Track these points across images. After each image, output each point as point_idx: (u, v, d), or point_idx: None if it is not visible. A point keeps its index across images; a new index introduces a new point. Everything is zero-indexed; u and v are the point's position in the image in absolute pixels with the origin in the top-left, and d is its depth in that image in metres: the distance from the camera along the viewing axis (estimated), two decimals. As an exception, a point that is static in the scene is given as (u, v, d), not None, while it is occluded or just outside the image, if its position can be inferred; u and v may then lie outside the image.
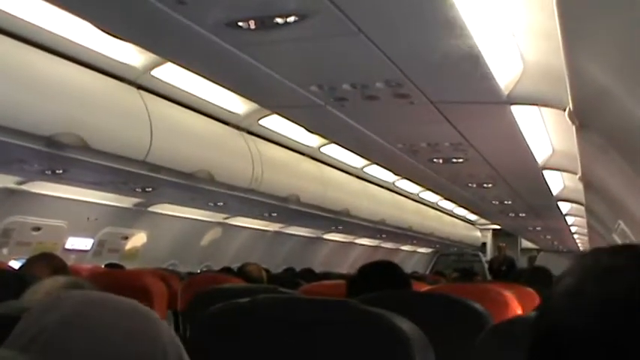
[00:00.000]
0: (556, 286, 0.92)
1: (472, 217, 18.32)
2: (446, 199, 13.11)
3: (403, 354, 1.59)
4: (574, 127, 4.36)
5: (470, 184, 8.08)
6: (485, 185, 8.10)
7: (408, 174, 9.36)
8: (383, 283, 2.81)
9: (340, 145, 7.92)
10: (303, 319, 1.76)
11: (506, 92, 4.17)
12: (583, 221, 13.15)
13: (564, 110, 4.10)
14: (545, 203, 10.42)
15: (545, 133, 5.88)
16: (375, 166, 10.19)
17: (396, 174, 10.33)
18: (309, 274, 7.72)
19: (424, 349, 1.63)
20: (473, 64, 3.59)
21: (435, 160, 6.41)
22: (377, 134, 5.60)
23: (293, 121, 6.02)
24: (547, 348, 0.86)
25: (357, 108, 4.68)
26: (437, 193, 12.18)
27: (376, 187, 11.63)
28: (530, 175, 7.22)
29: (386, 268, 3.10)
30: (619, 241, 10.37)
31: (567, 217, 13.20)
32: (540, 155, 6.38)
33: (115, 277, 4.76)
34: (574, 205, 10.96)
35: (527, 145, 5.62)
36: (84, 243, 7.99)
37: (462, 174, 7.35)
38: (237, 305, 1.84)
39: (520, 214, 12.22)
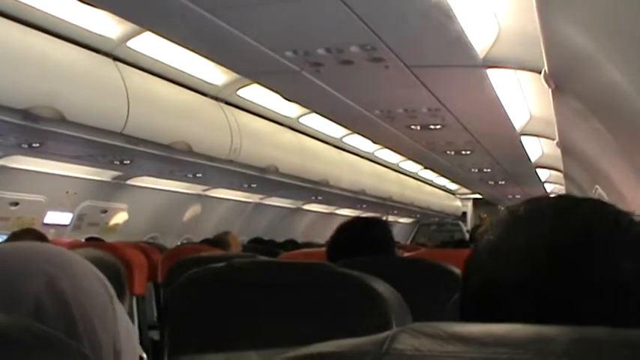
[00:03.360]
0: (478, 243, 0.93)
1: (452, 186, 18.37)
2: (426, 167, 13.14)
3: (380, 315, 1.58)
4: (550, 91, 4.38)
5: (448, 152, 8.11)
6: (463, 152, 8.14)
7: (386, 142, 9.37)
8: (362, 245, 2.69)
9: (318, 113, 7.92)
10: (279, 282, 1.74)
11: (481, 55, 4.18)
12: (562, 188, 13.21)
13: (540, 73, 4.11)
14: (524, 170, 10.47)
15: (523, 99, 5.89)
16: (354, 136, 10.17)
17: (374, 142, 10.31)
18: (290, 245, 7.71)
19: (401, 310, 1.63)
20: (448, 27, 3.59)
21: (412, 126, 6.42)
22: (353, 100, 5.60)
23: (270, 89, 6.00)
24: (477, 303, 0.87)
25: (332, 73, 4.68)
26: (416, 162, 12.21)
27: (356, 157, 11.61)
28: (509, 141, 7.25)
29: (363, 228, 2.89)
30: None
31: (546, 185, 13.27)
32: (518, 121, 6.40)
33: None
34: (552, 172, 11.02)
35: (505, 110, 5.64)
36: (63, 217, 7.94)
37: (440, 141, 7.37)
38: (211, 270, 1.83)
39: (499, 182, 12.28)
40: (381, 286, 1.65)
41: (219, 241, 5.50)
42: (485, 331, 0.51)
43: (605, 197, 7.52)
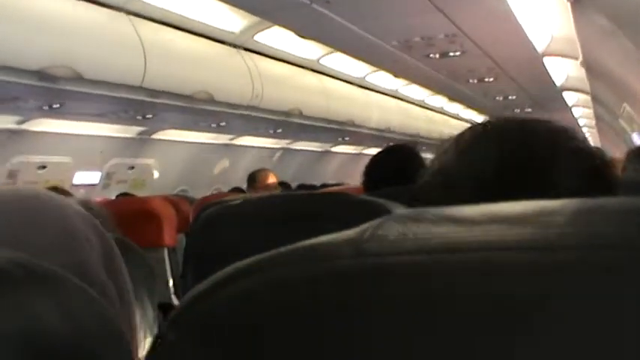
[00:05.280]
0: (425, 171, 0.98)
1: (479, 118, 18.23)
2: (450, 99, 13.04)
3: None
4: (569, 5, 4.28)
5: (471, 80, 8.02)
6: (486, 80, 8.04)
7: (407, 74, 9.29)
8: (394, 175, 2.59)
9: (332, 47, 7.84)
10: (296, 214, 1.71)
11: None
12: (590, 112, 13.07)
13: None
14: (550, 95, 10.36)
15: (542, 18, 5.78)
16: (377, 74, 10.11)
17: (395, 76, 10.21)
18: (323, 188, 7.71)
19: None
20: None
21: (431, 55, 6.34)
22: (368, 31, 5.52)
23: (284, 27, 5.93)
24: None
25: (343, 3, 4.59)
26: (441, 94, 12.12)
27: (381, 95, 11.54)
28: (532, 64, 7.14)
29: (394, 158, 2.85)
30: (626, 126, 10.32)
31: (574, 109, 13.12)
32: (539, 42, 6.30)
33: (123, 204, 4.78)
34: (580, 95, 10.88)
35: (525, 31, 5.54)
36: (92, 177, 7.98)
37: (461, 69, 7.28)
38: (227, 207, 1.81)
39: (526, 110, 12.16)
40: (402, 210, 1.60)
41: (248, 179, 5.46)
42: (480, 210, 0.47)
43: (633, 114, 7.43)
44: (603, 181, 0.90)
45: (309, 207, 1.73)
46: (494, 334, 0.41)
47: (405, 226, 0.48)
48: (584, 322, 0.39)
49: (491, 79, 7.91)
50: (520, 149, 0.88)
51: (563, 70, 8.69)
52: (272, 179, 5.32)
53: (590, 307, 0.39)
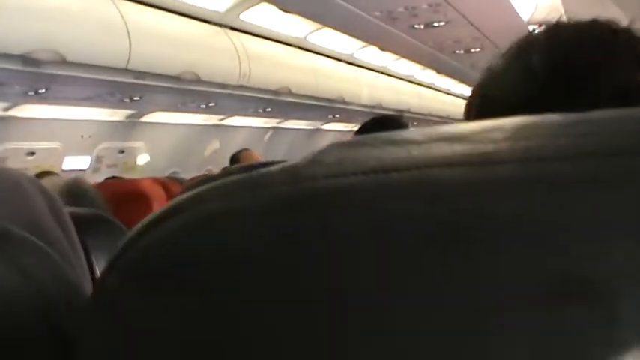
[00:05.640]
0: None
1: (469, 92, 18.23)
2: (439, 73, 13.04)
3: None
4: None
5: (457, 51, 8.00)
6: (473, 50, 8.03)
7: (392, 47, 9.25)
8: None
9: (314, 21, 7.80)
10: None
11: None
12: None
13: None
14: (536, 64, 10.34)
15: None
16: (366, 50, 10.09)
17: (381, 49, 10.18)
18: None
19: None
20: None
21: (416, 26, 6.31)
22: (350, 2, 5.48)
23: (266, 1, 5.89)
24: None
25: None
26: (428, 67, 12.11)
27: (371, 72, 11.52)
28: (517, 33, 7.06)
29: (383, 127, 2.78)
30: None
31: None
32: (524, 11, 6.28)
33: (113, 187, 4.77)
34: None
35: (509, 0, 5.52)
36: (81, 162, 7.95)
37: (447, 40, 7.26)
38: (205, 181, 1.80)
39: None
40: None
41: (231, 159, 5.48)
42: (422, 132, 0.46)
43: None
44: None
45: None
46: (430, 249, 0.40)
47: (343, 151, 0.47)
48: (519, 240, 0.38)
49: (478, 50, 7.89)
50: (572, 55, 0.78)
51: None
52: (254, 158, 5.34)
53: (522, 223, 0.38)
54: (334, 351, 0.40)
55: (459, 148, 0.42)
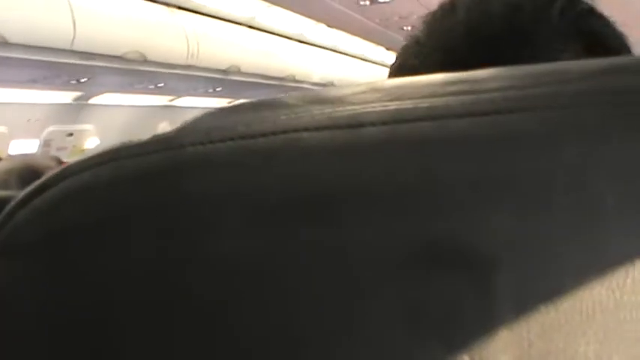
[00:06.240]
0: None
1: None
2: (388, 49, 13.06)
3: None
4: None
5: (405, 28, 7.97)
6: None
7: (339, 24, 9.22)
8: None
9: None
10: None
11: None
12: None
13: None
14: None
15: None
16: (315, 28, 10.04)
17: (329, 26, 10.14)
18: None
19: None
20: None
21: (362, 2, 6.28)
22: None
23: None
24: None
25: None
26: (376, 44, 12.14)
27: (321, 49, 11.49)
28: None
29: None
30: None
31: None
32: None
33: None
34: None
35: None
36: (29, 145, 7.85)
37: (393, 16, 7.22)
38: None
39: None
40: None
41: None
42: (299, 95, 0.44)
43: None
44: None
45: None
46: (292, 216, 0.37)
47: (216, 118, 0.45)
48: (382, 205, 0.36)
49: (425, 27, 7.88)
50: (502, 12, 0.71)
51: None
52: None
53: (388, 186, 0.36)
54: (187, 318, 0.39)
55: (328, 111, 0.40)
